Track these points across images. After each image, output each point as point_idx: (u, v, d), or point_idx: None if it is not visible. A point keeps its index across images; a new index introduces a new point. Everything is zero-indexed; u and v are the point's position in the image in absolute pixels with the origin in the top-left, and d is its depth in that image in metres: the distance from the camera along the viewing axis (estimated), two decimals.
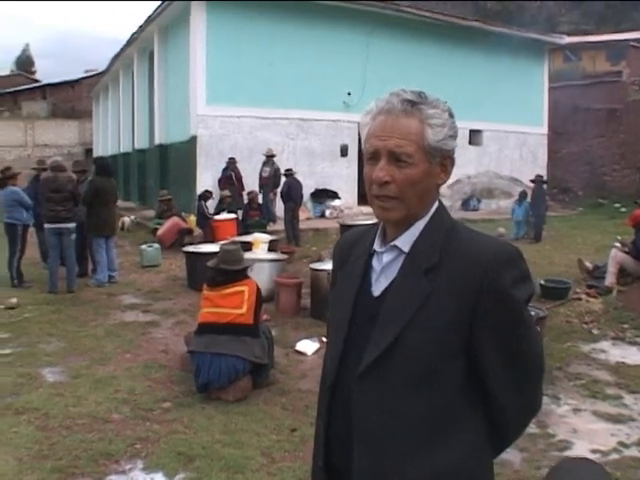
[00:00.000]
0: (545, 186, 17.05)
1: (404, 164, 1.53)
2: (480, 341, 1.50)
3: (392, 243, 1.59)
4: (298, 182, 14.72)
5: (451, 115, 1.59)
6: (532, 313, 6.32)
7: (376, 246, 1.64)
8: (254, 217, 14.59)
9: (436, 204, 1.61)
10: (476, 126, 21.71)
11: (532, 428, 4.84)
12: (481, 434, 1.57)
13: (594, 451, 4.50)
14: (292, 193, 14.36)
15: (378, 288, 1.61)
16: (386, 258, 1.61)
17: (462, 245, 1.53)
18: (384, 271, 1.61)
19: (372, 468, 1.53)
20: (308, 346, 6.81)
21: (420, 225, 1.58)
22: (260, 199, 15.49)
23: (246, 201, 15.24)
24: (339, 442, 1.62)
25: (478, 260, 1.49)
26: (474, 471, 1.55)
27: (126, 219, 17.64)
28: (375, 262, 1.64)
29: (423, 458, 1.50)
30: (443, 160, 1.58)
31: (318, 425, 1.73)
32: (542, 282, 9.27)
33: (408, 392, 1.51)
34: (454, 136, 1.58)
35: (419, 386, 1.50)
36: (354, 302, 1.63)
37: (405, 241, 1.58)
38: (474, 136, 21.96)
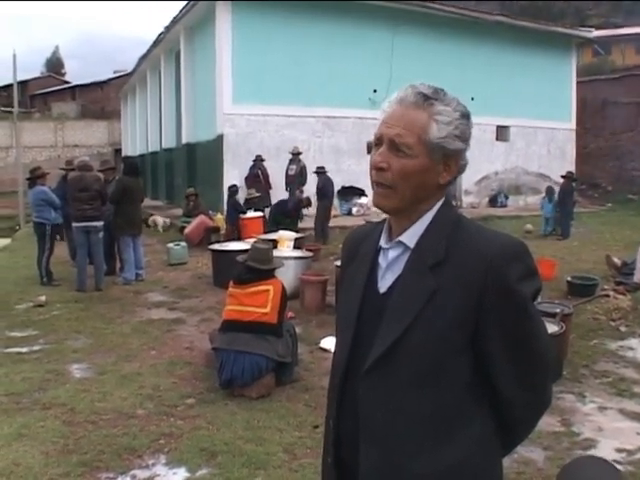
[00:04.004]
0: (575, 183, 16.86)
1: (402, 154, 1.52)
2: (486, 337, 1.49)
3: (397, 239, 1.59)
4: (330, 180, 14.71)
5: (464, 117, 1.57)
6: (558, 310, 6.27)
7: (382, 242, 1.64)
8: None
9: (442, 200, 1.60)
10: (503, 122, 21.58)
11: (556, 426, 4.81)
12: (488, 431, 1.56)
13: (619, 450, 4.44)
14: (326, 190, 14.37)
15: (384, 284, 1.60)
16: (392, 254, 1.60)
17: (467, 240, 1.52)
18: (390, 267, 1.60)
19: (378, 465, 1.53)
20: (332, 343, 6.77)
21: (425, 221, 1.57)
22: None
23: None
24: (348, 439, 1.63)
25: (483, 255, 1.48)
26: (480, 468, 1.54)
27: (159, 219, 17.39)
28: (381, 258, 1.63)
29: (429, 455, 1.50)
30: (446, 159, 1.56)
31: (327, 422, 1.73)
32: (569, 279, 9.18)
33: (414, 389, 1.50)
34: (461, 137, 1.56)
35: (425, 383, 1.50)
36: (361, 299, 1.63)
37: (410, 237, 1.57)
38: (501, 132, 21.80)
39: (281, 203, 14.79)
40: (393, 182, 1.54)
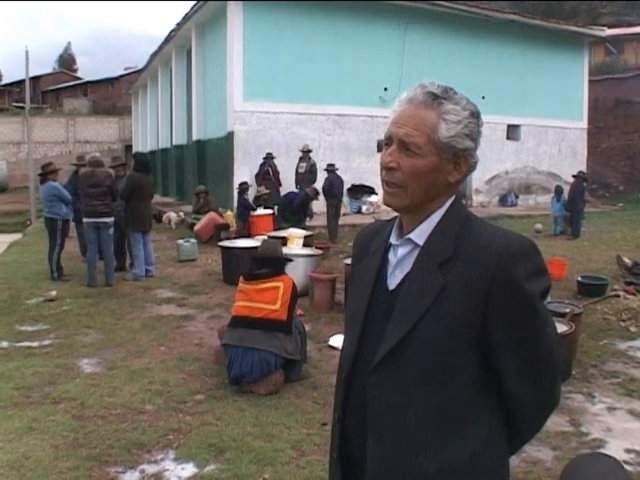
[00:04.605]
0: (585, 183, 16.79)
1: (411, 154, 1.54)
2: (494, 335, 1.49)
3: (407, 236, 1.60)
4: (339, 178, 14.60)
5: (473, 115, 1.57)
6: (568, 310, 6.25)
7: (392, 239, 1.65)
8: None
9: (452, 198, 1.61)
10: (514, 121, 21.50)
11: (565, 426, 4.80)
12: (495, 429, 1.56)
13: (628, 450, 4.42)
14: (334, 189, 14.30)
15: (393, 281, 1.61)
16: (401, 251, 1.61)
17: (476, 238, 1.53)
18: (399, 264, 1.61)
19: (385, 461, 1.53)
20: (341, 341, 6.78)
21: (435, 218, 1.58)
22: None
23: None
24: (354, 434, 1.63)
25: (491, 253, 1.48)
26: (487, 466, 1.54)
27: (172, 214, 17.31)
28: (391, 255, 1.64)
29: (436, 452, 1.50)
30: (456, 158, 1.56)
31: (334, 418, 1.74)
32: (579, 279, 9.15)
33: (422, 386, 1.51)
34: (470, 136, 1.56)
35: (433, 380, 1.50)
36: (370, 296, 1.64)
37: (420, 234, 1.58)
38: (512, 131, 21.72)
39: (289, 196, 14.77)
40: (403, 181, 1.55)
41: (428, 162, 1.54)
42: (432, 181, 1.55)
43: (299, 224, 13.41)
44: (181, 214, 17.34)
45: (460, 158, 1.57)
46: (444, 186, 1.58)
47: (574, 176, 16.32)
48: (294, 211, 14.40)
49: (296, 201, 14.45)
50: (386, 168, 1.57)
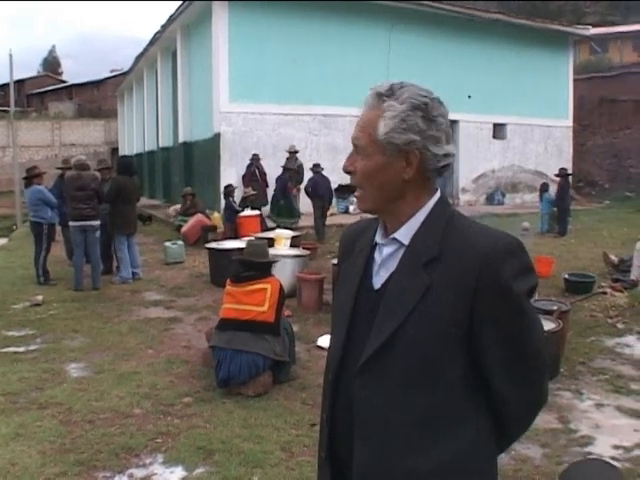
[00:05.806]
0: (570, 179, 16.84)
1: (362, 156, 1.57)
2: (480, 334, 1.48)
3: (392, 236, 1.58)
4: (325, 178, 14.46)
5: (415, 108, 1.51)
6: (555, 307, 6.28)
7: (378, 238, 1.64)
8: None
9: (436, 197, 1.59)
10: (500, 120, 21.59)
11: (554, 423, 4.81)
12: (483, 429, 1.56)
13: (617, 447, 4.44)
14: (319, 190, 14.19)
15: (378, 281, 1.60)
16: (386, 251, 1.60)
17: (461, 237, 1.51)
18: (384, 264, 1.60)
19: (373, 462, 1.52)
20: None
21: (420, 217, 1.56)
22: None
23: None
24: (342, 434, 1.62)
25: (477, 252, 1.46)
26: (477, 466, 1.53)
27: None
28: (376, 254, 1.63)
29: (424, 452, 1.49)
30: (404, 154, 1.52)
31: (322, 418, 1.73)
32: (566, 276, 9.19)
33: (408, 385, 1.50)
34: (410, 129, 1.51)
35: (419, 379, 1.49)
36: (356, 295, 1.63)
37: (405, 234, 1.56)
38: (498, 130, 21.81)
39: (278, 183, 14.79)
40: (360, 183, 1.59)
41: (373, 162, 1.55)
42: (385, 180, 1.55)
43: (291, 217, 13.40)
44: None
45: (409, 153, 1.52)
46: (400, 184, 1.55)
47: (557, 175, 16.33)
48: (285, 196, 14.40)
49: (282, 186, 14.49)
50: (345, 172, 1.62)
